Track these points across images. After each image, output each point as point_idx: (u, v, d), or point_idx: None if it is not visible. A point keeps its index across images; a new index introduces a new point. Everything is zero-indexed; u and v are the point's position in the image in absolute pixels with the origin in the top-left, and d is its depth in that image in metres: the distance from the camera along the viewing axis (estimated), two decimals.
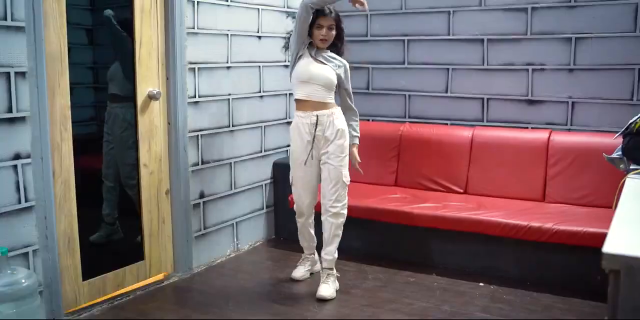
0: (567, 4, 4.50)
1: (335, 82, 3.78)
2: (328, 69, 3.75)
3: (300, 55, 3.75)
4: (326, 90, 3.74)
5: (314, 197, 3.91)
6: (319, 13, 3.67)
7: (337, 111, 3.81)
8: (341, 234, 3.84)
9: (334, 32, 3.75)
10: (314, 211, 3.97)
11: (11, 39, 3.01)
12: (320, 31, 3.70)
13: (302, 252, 4.14)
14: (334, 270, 3.87)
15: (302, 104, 3.77)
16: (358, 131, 3.97)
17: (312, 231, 4.04)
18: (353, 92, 3.97)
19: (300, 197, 3.90)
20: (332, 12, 3.73)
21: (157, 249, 4.05)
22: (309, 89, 3.73)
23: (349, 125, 3.89)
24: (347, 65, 3.89)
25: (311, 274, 4.14)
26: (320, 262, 3.96)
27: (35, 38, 3.09)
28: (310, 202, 3.91)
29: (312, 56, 3.74)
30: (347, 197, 3.82)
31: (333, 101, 3.79)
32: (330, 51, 3.84)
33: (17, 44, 3.03)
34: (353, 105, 3.96)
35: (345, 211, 3.81)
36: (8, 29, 2.99)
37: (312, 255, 4.14)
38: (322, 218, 3.83)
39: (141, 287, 3.90)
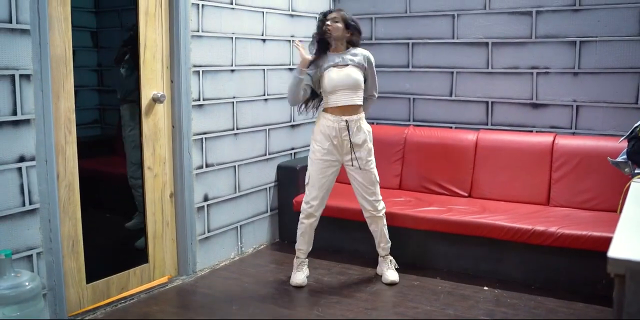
0: (571, 7, 4.50)
1: (362, 79, 3.86)
2: (351, 70, 3.83)
3: (321, 70, 3.86)
4: (353, 92, 3.82)
5: (325, 199, 3.98)
6: (322, 15, 3.91)
7: (363, 116, 3.91)
8: None
9: (339, 24, 3.83)
10: (321, 214, 4.01)
11: (16, 41, 3.01)
12: (325, 26, 3.83)
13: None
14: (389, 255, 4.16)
15: (331, 109, 3.85)
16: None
17: (313, 234, 4.06)
18: None
19: (315, 198, 3.92)
20: (339, 10, 3.93)
21: (161, 251, 4.05)
22: (335, 97, 3.83)
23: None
24: (368, 53, 3.95)
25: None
26: (379, 253, 4.15)
27: (40, 41, 3.10)
28: (322, 203, 3.96)
29: (331, 65, 3.84)
30: None
31: (361, 102, 3.88)
32: (349, 46, 3.94)
33: (22, 46, 3.04)
34: (376, 95, 4.06)
35: (384, 205, 4.05)
36: (13, 32, 3.00)
37: (307, 259, 4.15)
38: (368, 215, 4.00)
39: (145, 290, 3.90)
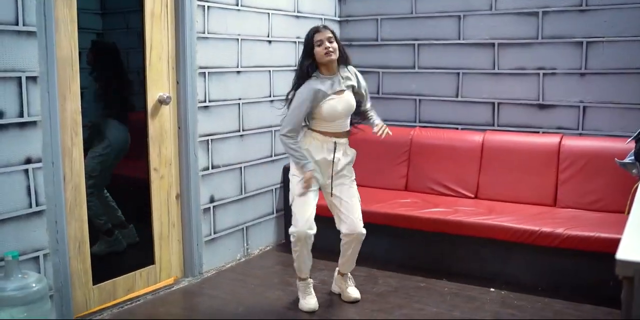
0: (578, 8, 4.49)
1: (354, 103, 3.65)
2: (348, 95, 3.62)
3: (318, 100, 3.54)
4: (347, 118, 3.66)
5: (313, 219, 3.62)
6: (312, 32, 3.56)
7: (347, 139, 3.72)
8: None
9: (335, 44, 3.53)
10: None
11: (23, 44, 3.02)
12: (321, 47, 3.50)
13: (312, 257, 4.03)
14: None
15: (322, 131, 3.61)
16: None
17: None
18: None
19: (303, 218, 3.54)
20: (326, 26, 3.59)
21: (167, 253, 4.05)
22: (330, 124, 3.59)
23: (371, 117, 3.79)
24: (356, 70, 3.75)
25: None
26: (339, 270, 3.87)
27: (46, 43, 3.11)
28: (313, 223, 3.58)
29: (331, 93, 3.55)
30: None
31: (349, 126, 3.70)
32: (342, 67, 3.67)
33: (29, 48, 3.05)
34: (369, 105, 3.85)
35: (364, 230, 3.70)
36: (20, 34, 3.01)
37: (311, 279, 3.83)
38: (348, 239, 3.67)
39: (151, 291, 3.90)
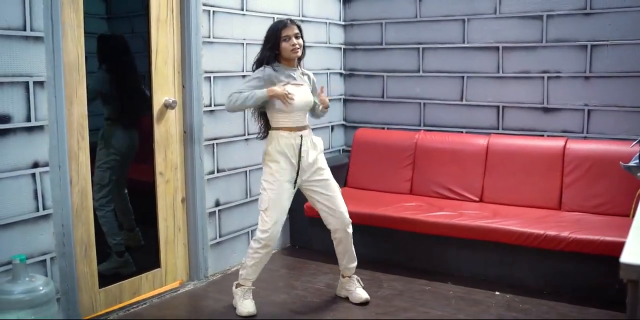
0: (582, 11, 4.49)
1: (312, 99, 3.68)
2: (306, 89, 3.66)
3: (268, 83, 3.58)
4: (305, 113, 3.67)
5: (281, 225, 3.64)
6: (280, 25, 3.57)
7: (310, 129, 3.73)
8: None
9: (301, 41, 3.59)
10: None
11: (30, 48, 3.04)
12: (289, 42, 3.54)
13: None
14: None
15: (284, 128, 3.61)
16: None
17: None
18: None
19: (276, 223, 3.56)
20: (293, 21, 3.62)
21: (173, 256, 4.06)
22: (289, 117, 3.59)
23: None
24: (309, 72, 3.80)
25: None
26: (344, 273, 3.87)
27: (53, 48, 3.13)
28: (279, 229, 3.62)
29: (288, 81, 3.59)
30: None
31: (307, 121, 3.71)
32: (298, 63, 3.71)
33: (36, 53, 3.07)
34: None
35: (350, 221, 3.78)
36: (27, 39, 3.03)
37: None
38: (339, 234, 3.71)
39: (157, 294, 3.92)
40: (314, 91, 3.75)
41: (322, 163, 3.71)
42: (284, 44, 3.56)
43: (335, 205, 3.69)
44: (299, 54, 3.61)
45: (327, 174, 3.72)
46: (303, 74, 3.73)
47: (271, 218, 3.56)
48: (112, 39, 4.01)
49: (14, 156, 3.01)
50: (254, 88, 3.54)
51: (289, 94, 3.51)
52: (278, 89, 3.51)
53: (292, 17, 4.79)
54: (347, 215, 3.72)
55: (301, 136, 3.61)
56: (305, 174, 3.64)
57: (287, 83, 3.58)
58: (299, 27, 3.60)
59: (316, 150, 3.68)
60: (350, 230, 3.74)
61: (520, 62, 4.77)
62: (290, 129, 3.60)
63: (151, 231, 3.98)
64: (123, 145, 3.93)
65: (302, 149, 3.60)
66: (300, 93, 3.60)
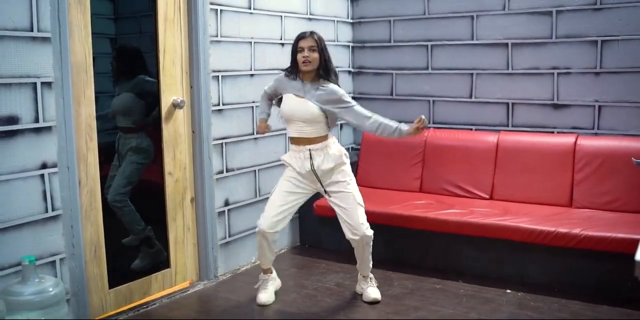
0: (592, 6, 4.46)
1: (318, 113, 3.55)
2: (305, 103, 3.56)
3: (282, 93, 3.72)
4: (310, 126, 3.58)
5: (281, 225, 3.69)
6: (299, 36, 3.58)
7: (332, 141, 3.66)
8: None
9: (316, 54, 3.52)
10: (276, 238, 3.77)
11: (37, 49, 3.04)
12: (301, 54, 3.53)
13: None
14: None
15: (295, 139, 3.66)
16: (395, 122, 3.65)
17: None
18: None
19: (267, 217, 3.65)
20: (314, 33, 3.58)
21: (183, 256, 4.06)
22: (296, 127, 3.62)
23: (386, 125, 3.57)
24: (335, 88, 3.57)
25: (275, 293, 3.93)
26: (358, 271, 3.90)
27: (60, 48, 3.13)
28: (275, 224, 3.66)
29: (294, 92, 3.62)
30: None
31: (326, 133, 3.63)
32: (322, 80, 3.60)
33: (43, 54, 3.07)
34: (373, 118, 3.59)
35: (371, 231, 3.71)
36: (34, 40, 3.03)
37: (273, 273, 3.94)
38: (355, 243, 3.69)
39: (167, 295, 3.92)
40: (339, 106, 3.56)
41: (341, 175, 3.66)
42: (298, 56, 3.57)
43: (350, 219, 3.64)
44: (309, 67, 3.54)
45: (345, 186, 3.66)
46: (318, 89, 3.57)
47: (267, 207, 3.72)
48: (129, 53, 4.01)
49: (22, 157, 3.01)
50: (274, 88, 3.78)
51: (263, 128, 3.85)
52: (261, 124, 3.86)
53: (300, 16, 4.79)
54: (362, 228, 3.64)
55: (309, 150, 3.60)
56: (324, 182, 3.66)
57: (289, 91, 3.65)
58: (317, 40, 3.55)
59: (329, 164, 3.62)
60: (366, 241, 3.68)
61: (529, 58, 4.74)
62: (298, 142, 3.64)
63: (160, 231, 3.97)
64: (149, 151, 3.95)
65: (313, 162, 3.60)
66: (295, 104, 3.59)
